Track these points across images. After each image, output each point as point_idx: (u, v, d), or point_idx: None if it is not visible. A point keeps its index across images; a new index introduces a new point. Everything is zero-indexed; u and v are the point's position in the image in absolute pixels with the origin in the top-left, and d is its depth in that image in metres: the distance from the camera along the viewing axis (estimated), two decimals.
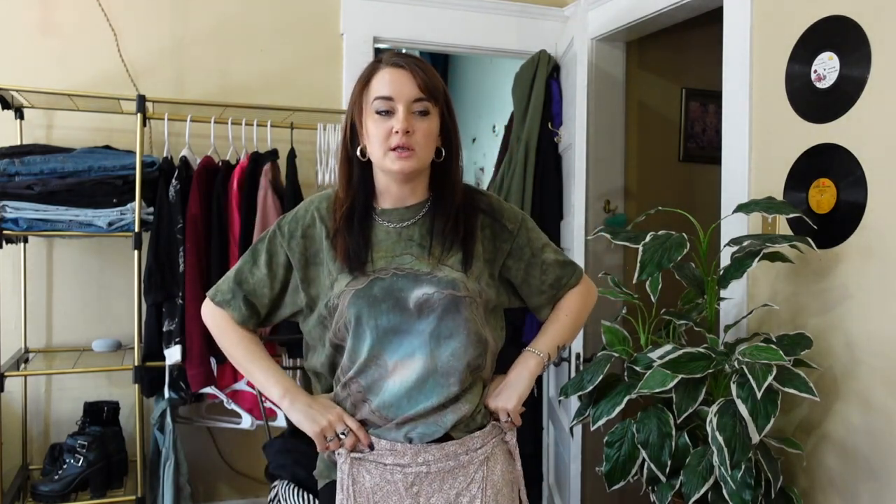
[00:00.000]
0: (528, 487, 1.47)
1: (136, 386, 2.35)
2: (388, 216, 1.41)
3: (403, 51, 4.58)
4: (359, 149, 1.38)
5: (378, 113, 1.33)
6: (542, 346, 1.49)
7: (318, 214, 1.43)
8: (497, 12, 2.98)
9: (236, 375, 2.46)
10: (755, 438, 1.59)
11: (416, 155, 1.33)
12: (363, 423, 1.37)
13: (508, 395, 1.43)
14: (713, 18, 2.35)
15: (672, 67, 3.11)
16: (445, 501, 1.35)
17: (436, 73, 1.38)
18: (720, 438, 1.62)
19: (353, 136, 1.39)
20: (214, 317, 1.49)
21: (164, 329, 2.37)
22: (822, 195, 1.88)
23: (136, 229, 2.33)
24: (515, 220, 1.47)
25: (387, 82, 1.33)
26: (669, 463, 1.76)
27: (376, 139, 1.33)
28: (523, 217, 1.49)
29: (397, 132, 1.31)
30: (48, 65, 2.54)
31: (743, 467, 1.61)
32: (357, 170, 1.40)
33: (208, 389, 2.42)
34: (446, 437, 1.36)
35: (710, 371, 1.70)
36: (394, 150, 1.32)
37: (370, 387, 1.36)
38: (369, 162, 1.39)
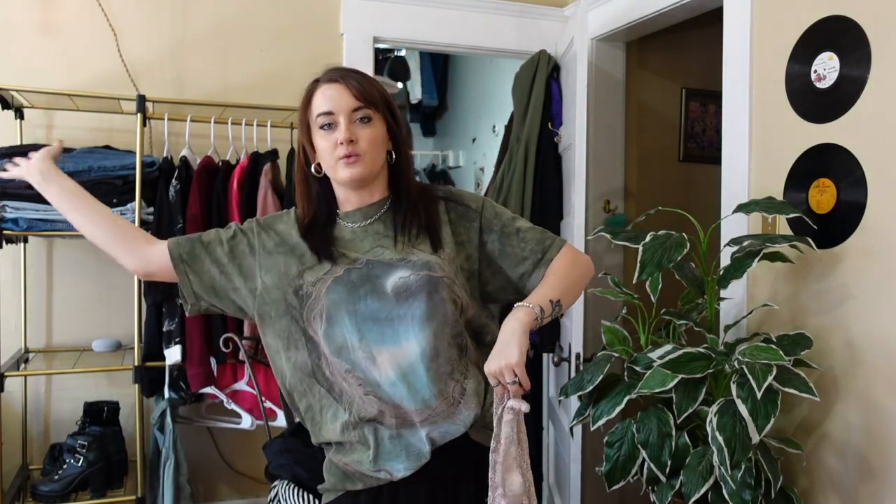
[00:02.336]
0: None
1: (136, 386, 2.35)
2: (352, 217, 1.46)
3: (403, 52, 4.53)
4: (313, 166, 1.45)
5: (322, 128, 1.39)
6: (532, 299, 1.37)
7: (295, 213, 1.50)
8: (497, 12, 2.98)
9: (236, 375, 2.46)
10: (755, 438, 1.59)
11: (362, 160, 1.38)
12: (375, 420, 1.37)
13: (509, 352, 1.27)
14: (713, 18, 2.34)
15: (672, 67, 3.11)
16: None
17: (373, 81, 1.43)
18: (720, 438, 1.62)
19: (306, 156, 1.46)
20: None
21: (164, 329, 2.37)
22: (822, 195, 1.88)
23: None
24: (477, 200, 1.52)
25: (326, 98, 1.39)
26: (669, 463, 1.76)
27: (325, 153, 1.40)
28: (485, 198, 1.54)
29: (342, 143, 1.36)
30: (48, 65, 2.53)
31: (743, 467, 1.61)
32: (315, 186, 1.47)
33: (208, 389, 2.42)
34: (465, 437, 1.36)
35: (710, 371, 1.70)
36: (341, 159, 1.37)
37: (366, 379, 1.36)
38: (327, 177, 1.45)
